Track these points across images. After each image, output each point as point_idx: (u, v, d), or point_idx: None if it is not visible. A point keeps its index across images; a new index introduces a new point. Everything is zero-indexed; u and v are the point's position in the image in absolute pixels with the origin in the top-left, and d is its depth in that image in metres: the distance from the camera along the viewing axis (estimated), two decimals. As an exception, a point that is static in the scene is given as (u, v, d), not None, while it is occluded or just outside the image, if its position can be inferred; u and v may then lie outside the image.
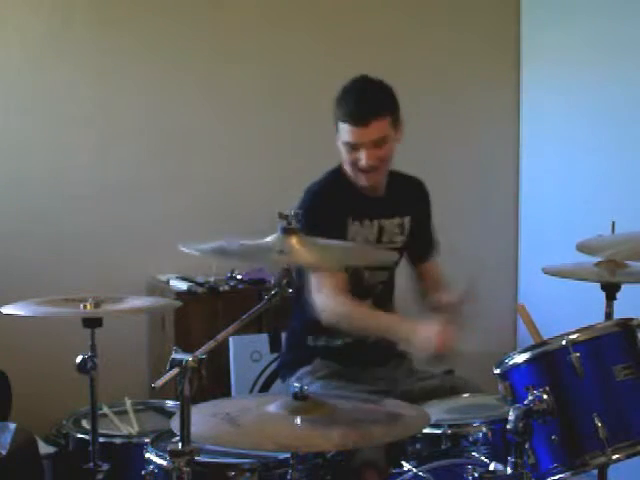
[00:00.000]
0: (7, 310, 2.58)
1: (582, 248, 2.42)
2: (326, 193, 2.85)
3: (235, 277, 3.79)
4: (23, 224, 3.78)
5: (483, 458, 2.31)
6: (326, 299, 2.70)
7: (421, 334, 2.54)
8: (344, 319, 2.71)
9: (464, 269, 3.00)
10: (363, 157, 2.74)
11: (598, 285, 2.66)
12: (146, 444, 2.48)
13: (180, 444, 1.82)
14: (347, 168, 2.83)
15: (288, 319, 3.00)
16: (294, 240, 1.98)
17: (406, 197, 2.98)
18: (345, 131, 2.74)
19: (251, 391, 3.48)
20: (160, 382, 1.80)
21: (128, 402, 3.08)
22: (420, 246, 3.03)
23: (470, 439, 2.38)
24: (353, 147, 2.75)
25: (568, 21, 4.17)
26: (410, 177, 3.03)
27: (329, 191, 2.86)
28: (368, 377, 2.85)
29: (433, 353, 2.52)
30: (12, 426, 2.85)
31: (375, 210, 2.88)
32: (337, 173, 2.89)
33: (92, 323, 2.60)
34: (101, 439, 2.70)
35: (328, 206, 2.78)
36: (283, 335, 3.25)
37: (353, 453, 2.47)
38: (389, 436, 2.04)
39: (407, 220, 2.96)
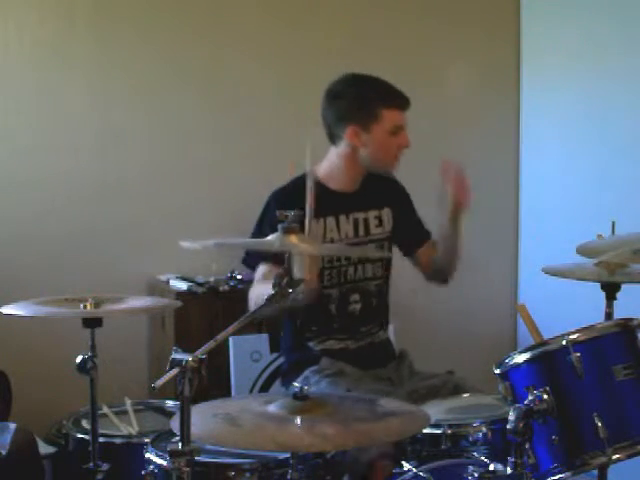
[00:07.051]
0: (7, 310, 2.58)
1: (582, 251, 2.43)
2: (286, 193, 2.89)
3: (235, 277, 3.79)
4: (23, 224, 3.78)
5: (483, 458, 2.30)
6: (250, 291, 2.77)
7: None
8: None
9: (464, 269, 3.02)
10: (406, 137, 2.90)
11: (598, 285, 2.66)
12: (146, 444, 2.48)
13: (180, 444, 1.82)
14: (382, 158, 2.90)
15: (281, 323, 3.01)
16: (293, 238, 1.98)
17: (380, 190, 3.02)
18: (392, 116, 2.87)
19: (251, 391, 3.47)
20: (160, 382, 1.80)
21: (128, 402, 3.08)
22: (408, 236, 3.07)
23: (470, 439, 2.39)
24: (396, 131, 2.87)
25: (568, 21, 4.17)
26: (382, 175, 3.04)
27: (290, 191, 2.88)
28: (370, 378, 2.85)
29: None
30: (12, 426, 2.84)
31: (348, 205, 2.94)
32: (304, 176, 2.93)
33: (92, 323, 2.60)
34: (101, 439, 2.71)
35: (284, 204, 2.80)
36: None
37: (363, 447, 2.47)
38: (389, 436, 2.05)
39: (386, 212, 3.02)
